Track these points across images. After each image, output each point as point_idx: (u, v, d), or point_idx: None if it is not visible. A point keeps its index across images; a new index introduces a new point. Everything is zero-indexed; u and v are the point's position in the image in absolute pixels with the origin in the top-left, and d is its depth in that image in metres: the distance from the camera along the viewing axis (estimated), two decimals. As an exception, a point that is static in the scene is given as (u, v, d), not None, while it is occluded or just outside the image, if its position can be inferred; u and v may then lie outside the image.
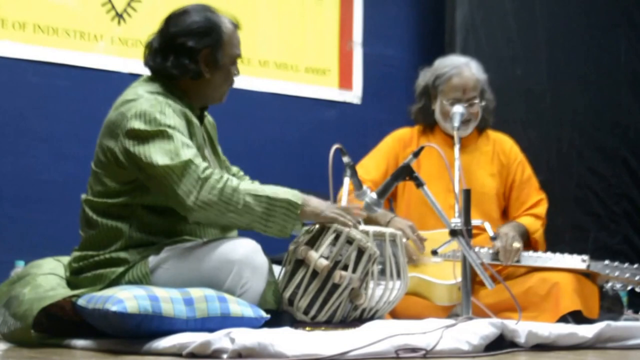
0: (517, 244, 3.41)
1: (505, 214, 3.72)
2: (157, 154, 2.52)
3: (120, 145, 2.57)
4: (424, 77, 3.71)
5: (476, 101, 3.60)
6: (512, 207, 3.68)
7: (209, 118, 2.92)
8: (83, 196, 2.71)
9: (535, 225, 3.60)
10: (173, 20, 2.73)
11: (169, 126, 2.55)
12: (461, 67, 3.62)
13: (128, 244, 2.61)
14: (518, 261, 3.42)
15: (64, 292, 2.56)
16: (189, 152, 2.54)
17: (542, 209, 3.66)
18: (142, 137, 2.54)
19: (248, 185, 2.60)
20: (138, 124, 2.55)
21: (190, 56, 2.69)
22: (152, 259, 2.59)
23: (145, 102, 2.59)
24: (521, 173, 3.71)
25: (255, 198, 2.56)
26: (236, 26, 2.80)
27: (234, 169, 3.07)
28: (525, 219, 3.61)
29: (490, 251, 3.44)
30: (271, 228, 2.58)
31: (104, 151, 2.63)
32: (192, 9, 2.74)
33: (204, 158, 2.70)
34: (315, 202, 2.65)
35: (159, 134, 2.54)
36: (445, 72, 3.62)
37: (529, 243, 3.57)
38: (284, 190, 2.62)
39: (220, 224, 2.62)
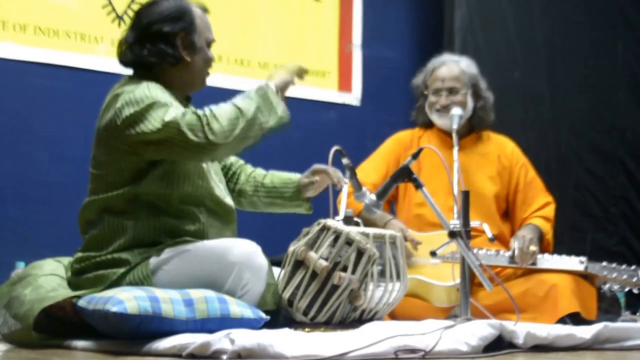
0: (533, 247, 3.42)
1: (507, 217, 3.72)
2: (155, 122, 2.53)
3: (123, 137, 2.58)
4: (419, 77, 3.77)
5: (460, 91, 3.62)
6: (519, 209, 3.68)
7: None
8: (85, 200, 2.71)
9: (546, 227, 3.61)
10: (144, 11, 2.76)
11: (155, 97, 2.58)
12: (446, 61, 3.73)
13: (131, 242, 2.62)
14: (534, 264, 3.44)
15: (64, 292, 2.56)
16: (176, 110, 2.56)
17: (551, 211, 3.67)
18: (137, 118, 2.56)
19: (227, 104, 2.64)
20: (128, 110, 2.57)
21: (167, 41, 2.71)
22: (154, 260, 2.59)
23: (130, 90, 2.62)
24: (525, 175, 3.71)
25: (240, 104, 2.60)
26: (205, 10, 2.83)
27: (233, 158, 3.11)
28: (537, 220, 3.62)
29: (507, 254, 3.45)
30: (276, 108, 2.65)
31: (109, 150, 2.64)
32: None
33: None
34: (276, 77, 2.77)
35: (150, 107, 2.56)
36: (432, 67, 3.72)
37: (541, 245, 3.58)
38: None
39: (242, 140, 2.60)
